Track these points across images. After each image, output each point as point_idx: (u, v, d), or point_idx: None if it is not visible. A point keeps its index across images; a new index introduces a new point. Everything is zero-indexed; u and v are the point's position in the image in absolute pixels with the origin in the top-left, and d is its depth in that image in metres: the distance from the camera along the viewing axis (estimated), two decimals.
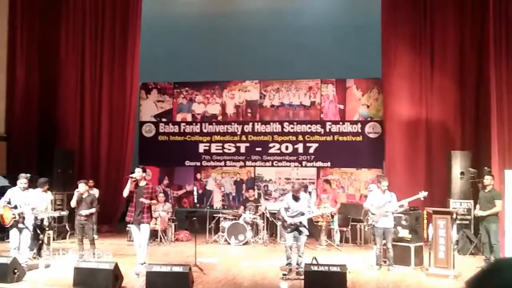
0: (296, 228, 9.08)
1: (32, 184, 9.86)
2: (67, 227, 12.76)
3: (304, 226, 9.15)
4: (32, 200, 9.30)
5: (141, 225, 9.19)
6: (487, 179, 10.16)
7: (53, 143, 14.73)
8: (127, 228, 12.80)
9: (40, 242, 10.28)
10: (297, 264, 9.01)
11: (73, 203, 10.16)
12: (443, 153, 13.12)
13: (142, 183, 9.31)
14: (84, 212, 9.98)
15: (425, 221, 10.36)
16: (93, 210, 10.20)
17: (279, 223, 12.36)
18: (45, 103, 15.11)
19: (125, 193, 9.31)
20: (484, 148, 12.46)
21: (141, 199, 9.12)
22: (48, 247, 10.64)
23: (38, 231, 10.27)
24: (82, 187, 10.18)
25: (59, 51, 15.32)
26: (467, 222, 11.84)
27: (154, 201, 9.49)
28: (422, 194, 9.65)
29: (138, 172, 9.30)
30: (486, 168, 11.28)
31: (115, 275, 7.90)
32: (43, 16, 15.17)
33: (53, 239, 11.45)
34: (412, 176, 13.33)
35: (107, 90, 15.37)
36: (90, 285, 7.56)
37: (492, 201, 9.91)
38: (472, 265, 9.85)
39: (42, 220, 10.39)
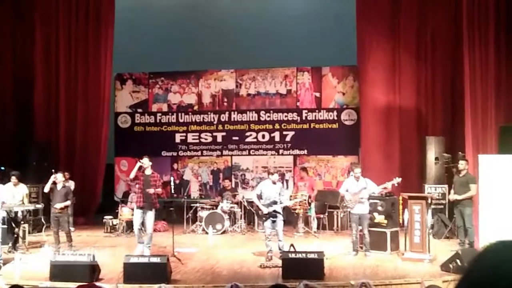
0: (272, 215, 9.28)
1: (5, 177, 9.72)
2: (42, 220, 12.58)
3: (279, 212, 9.40)
4: (1, 195, 9.13)
5: (149, 212, 9.53)
6: (462, 164, 10.30)
7: (28, 136, 14.52)
8: (103, 220, 12.76)
9: (15, 235, 10.17)
10: (280, 249, 9.15)
11: (46, 188, 10.17)
12: (417, 139, 13.28)
13: (149, 172, 9.72)
14: (59, 205, 9.89)
15: (401, 207, 10.47)
16: (68, 202, 10.12)
17: None
18: (20, 96, 14.83)
19: (132, 175, 9.84)
20: (458, 133, 12.60)
21: (148, 190, 9.51)
22: (23, 241, 10.53)
23: (13, 225, 10.16)
24: (60, 176, 10.13)
25: (33, 42, 15.02)
26: (442, 206, 12.00)
27: (159, 190, 9.77)
28: (396, 180, 9.71)
29: (145, 160, 9.73)
30: (460, 153, 11.44)
31: (93, 268, 7.86)
32: (16, 8, 14.87)
33: (29, 232, 11.31)
34: (387, 162, 13.42)
35: (81, 82, 15.09)
36: (67, 278, 7.50)
37: (467, 186, 10.04)
38: (447, 248, 9.98)
39: (16, 213, 10.28)
